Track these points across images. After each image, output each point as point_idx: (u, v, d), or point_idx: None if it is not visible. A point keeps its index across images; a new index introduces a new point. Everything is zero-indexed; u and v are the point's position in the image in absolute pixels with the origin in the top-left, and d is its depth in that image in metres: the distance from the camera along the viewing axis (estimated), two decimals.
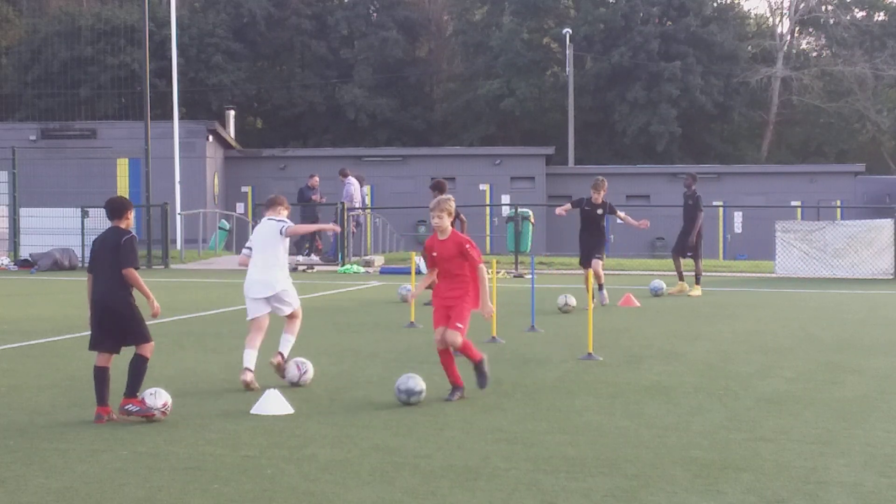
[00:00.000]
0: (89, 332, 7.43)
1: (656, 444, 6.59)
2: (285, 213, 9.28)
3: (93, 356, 7.47)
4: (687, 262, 18.72)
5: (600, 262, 15.53)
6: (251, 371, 8.49)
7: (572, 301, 14.83)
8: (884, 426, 7.20)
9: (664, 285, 18.34)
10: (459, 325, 8.04)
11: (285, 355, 8.81)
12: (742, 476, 5.82)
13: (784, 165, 47.35)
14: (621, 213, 15.61)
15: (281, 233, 8.95)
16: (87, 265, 7.62)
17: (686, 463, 6.10)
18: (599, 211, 15.53)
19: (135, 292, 7.43)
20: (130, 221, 7.57)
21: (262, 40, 54.76)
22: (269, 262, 8.91)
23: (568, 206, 16.04)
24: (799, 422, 7.32)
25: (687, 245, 18.47)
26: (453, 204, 8.36)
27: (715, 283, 22.43)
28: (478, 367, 8.29)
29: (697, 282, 18.55)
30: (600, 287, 15.51)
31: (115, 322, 7.32)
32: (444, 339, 8.07)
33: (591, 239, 15.64)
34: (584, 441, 6.66)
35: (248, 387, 8.36)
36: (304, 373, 8.67)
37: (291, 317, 9.02)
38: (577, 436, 6.81)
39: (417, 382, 7.84)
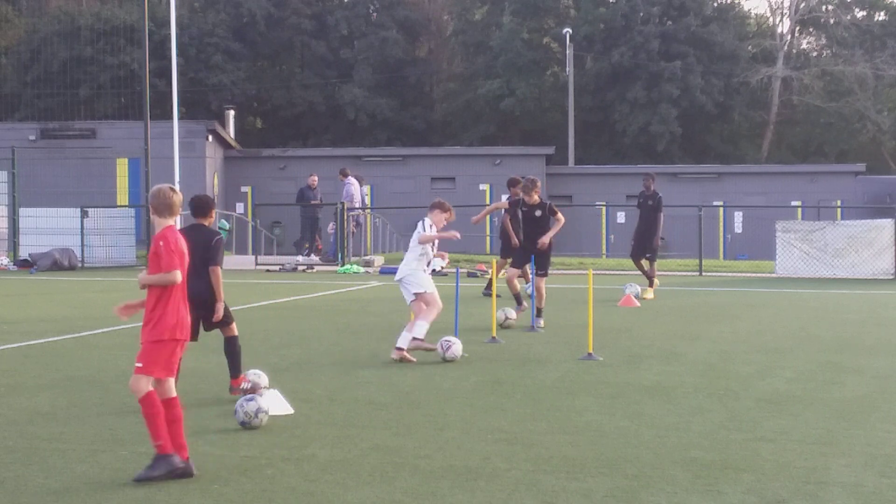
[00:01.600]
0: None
1: (656, 444, 6.58)
2: (443, 216, 10.67)
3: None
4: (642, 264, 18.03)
5: (544, 279, 13.29)
6: (398, 349, 10.13)
7: (512, 315, 13.18)
8: (884, 426, 7.19)
9: (638, 288, 17.50)
10: (139, 364, 5.82)
11: (404, 347, 10.12)
12: (742, 476, 5.81)
13: (784, 165, 47.36)
14: (560, 217, 13.38)
15: (414, 237, 10.60)
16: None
17: (686, 463, 6.09)
18: (538, 213, 13.39)
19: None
20: (213, 219, 8.08)
21: (262, 40, 54.76)
22: (407, 255, 10.64)
23: (492, 207, 14.24)
24: (799, 422, 7.30)
25: (648, 246, 17.86)
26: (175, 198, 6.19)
27: (715, 284, 22.44)
28: (156, 458, 5.73)
29: (651, 284, 17.86)
30: (538, 312, 13.11)
31: (207, 312, 7.80)
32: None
33: (534, 245, 13.42)
34: (585, 441, 6.65)
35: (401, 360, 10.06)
36: (448, 349, 10.11)
37: (417, 304, 10.39)
38: (578, 436, 6.80)
39: (259, 404, 6.99)
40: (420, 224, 10.62)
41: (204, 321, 7.94)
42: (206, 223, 7.99)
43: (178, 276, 5.90)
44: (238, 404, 6.98)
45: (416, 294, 10.37)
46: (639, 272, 18.59)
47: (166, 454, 5.68)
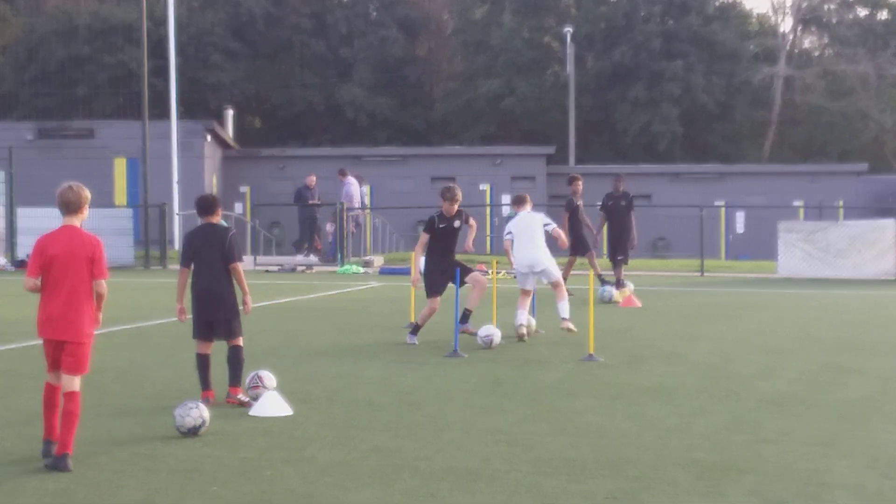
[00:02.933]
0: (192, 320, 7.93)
1: (658, 445, 6.54)
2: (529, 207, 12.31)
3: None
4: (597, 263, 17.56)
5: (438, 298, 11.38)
6: (523, 325, 11.61)
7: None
8: (887, 427, 7.16)
9: (614, 292, 16.87)
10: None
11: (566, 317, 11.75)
12: (744, 478, 5.78)
13: (786, 165, 47.34)
14: (473, 222, 11.86)
15: (545, 227, 12.07)
16: (182, 258, 8.07)
17: (688, 465, 6.05)
18: (457, 224, 11.52)
19: None
20: (220, 217, 8.11)
21: (261, 39, 54.75)
22: (543, 246, 11.95)
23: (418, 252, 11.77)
24: (801, 423, 7.27)
25: (623, 248, 17.45)
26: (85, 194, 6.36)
27: (717, 284, 22.42)
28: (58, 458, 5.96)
29: (618, 286, 17.15)
30: (463, 317, 11.53)
31: (221, 312, 7.79)
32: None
33: (445, 262, 11.55)
34: (585, 443, 6.61)
35: (520, 338, 11.53)
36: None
37: (556, 286, 11.99)
38: (578, 437, 6.77)
39: (195, 416, 6.73)
40: (540, 216, 12.22)
41: (214, 323, 7.83)
42: (215, 221, 8.01)
43: (26, 282, 6.17)
44: (178, 413, 6.76)
45: (557, 280, 12.01)
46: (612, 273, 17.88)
47: (44, 439, 6.17)
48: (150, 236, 27.28)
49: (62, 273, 6.10)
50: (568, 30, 49.29)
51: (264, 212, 35.83)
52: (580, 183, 17.99)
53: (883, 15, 56.91)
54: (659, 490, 5.53)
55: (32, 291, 6.18)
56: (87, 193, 6.31)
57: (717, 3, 55.23)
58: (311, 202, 27.65)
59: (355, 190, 27.10)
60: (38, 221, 27.48)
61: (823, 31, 58.42)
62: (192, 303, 7.85)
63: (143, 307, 15.22)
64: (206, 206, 8.03)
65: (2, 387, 8.63)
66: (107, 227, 28.09)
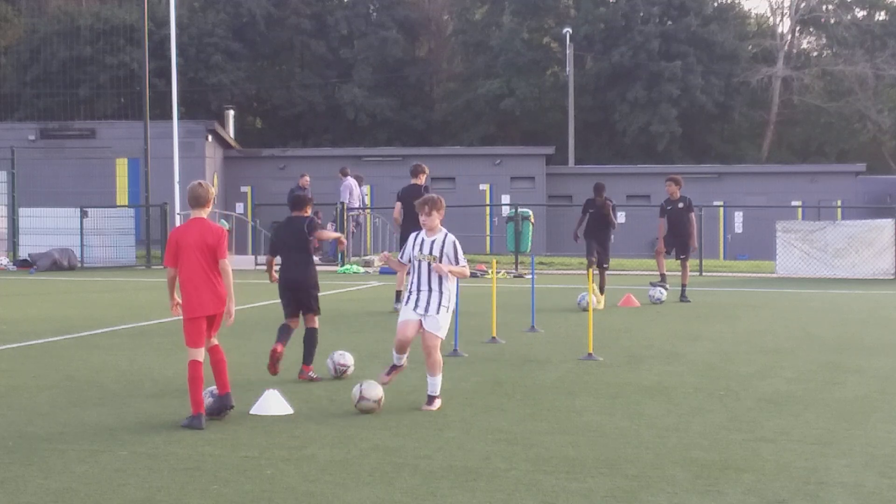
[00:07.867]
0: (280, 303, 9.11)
1: (657, 444, 6.57)
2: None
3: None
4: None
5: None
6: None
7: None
8: (885, 426, 7.19)
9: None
10: None
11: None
12: (743, 476, 5.81)
13: (785, 165, 47.34)
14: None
15: None
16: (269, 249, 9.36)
17: (686, 463, 6.08)
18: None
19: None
20: (308, 212, 8.96)
21: (262, 40, 54.76)
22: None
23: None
24: (799, 422, 7.30)
25: (606, 253, 17.05)
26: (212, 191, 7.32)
27: (715, 284, 22.45)
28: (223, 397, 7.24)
29: (602, 291, 16.72)
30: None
31: (303, 294, 8.87)
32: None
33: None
34: (585, 441, 6.64)
35: None
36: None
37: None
38: (578, 436, 6.80)
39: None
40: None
41: (300, 301, 8.90)
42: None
43: (167, 272, 7.08)
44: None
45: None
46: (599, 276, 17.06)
47: (194, 414, 6.92)
48: (151, 236, 27.30)
49: (194, 258, 6.92)
50: (567, 31, 49.32)
51: (265, 212, 35.84)
52: (673, 186, 17.61)
53: (881, 16, 56.93)
54: (657, 488, 5.56)
55: (170, 278, 7.09)
56: (213, 190, 7.21)
57: (715, 4, 55.24)
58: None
59: (355, 188, 27.14)
60: (40, 221, 27.65)
61: (821, 31, 58.43)
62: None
63: (144, 306, 15.24)
64: (293, 203, 8.79)
65: (2, 386, 8.65)
66: (109, 226, 28.20)
